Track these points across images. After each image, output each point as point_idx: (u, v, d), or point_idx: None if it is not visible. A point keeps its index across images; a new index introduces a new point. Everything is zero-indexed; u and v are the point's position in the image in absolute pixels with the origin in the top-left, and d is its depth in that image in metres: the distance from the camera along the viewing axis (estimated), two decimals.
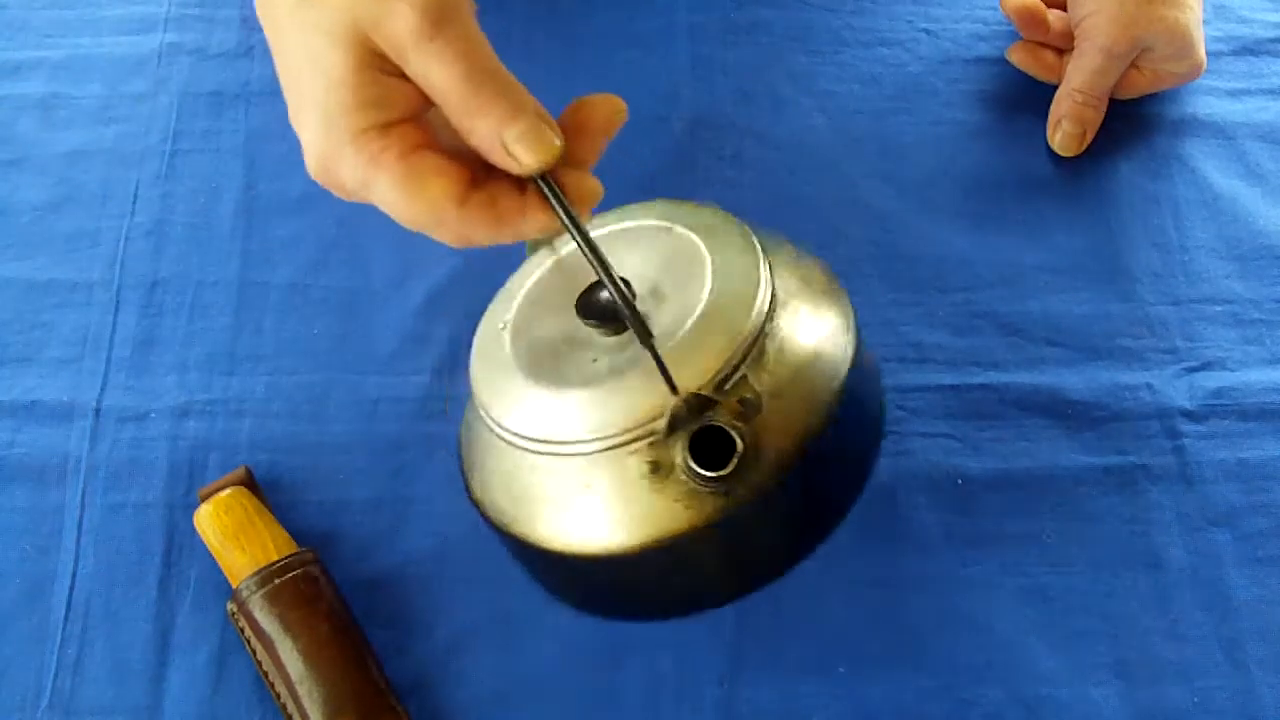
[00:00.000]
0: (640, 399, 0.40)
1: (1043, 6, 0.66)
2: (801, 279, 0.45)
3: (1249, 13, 0.70)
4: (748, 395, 0.40)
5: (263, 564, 0.50)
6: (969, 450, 0.56)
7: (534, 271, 0.48)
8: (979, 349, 0.59)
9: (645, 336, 0.39)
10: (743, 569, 0.44)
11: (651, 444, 0.40)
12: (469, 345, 0.47)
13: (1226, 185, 0.64)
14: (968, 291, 0.60)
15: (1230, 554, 0.54)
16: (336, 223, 0.61)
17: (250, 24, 0.66)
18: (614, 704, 0.51)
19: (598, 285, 0.43)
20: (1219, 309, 0.60)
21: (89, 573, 0.52)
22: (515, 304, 0.47)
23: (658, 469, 0.40)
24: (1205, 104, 0.66)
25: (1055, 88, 0.65)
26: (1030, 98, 0.65)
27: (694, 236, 0.45)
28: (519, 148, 0.37)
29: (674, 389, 0.39)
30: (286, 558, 0.50)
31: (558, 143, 0.37)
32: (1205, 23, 0.64)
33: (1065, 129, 0.63)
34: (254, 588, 0.49)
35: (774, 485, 0.40)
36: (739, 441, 0.39)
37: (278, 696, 0.49)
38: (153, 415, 0.56)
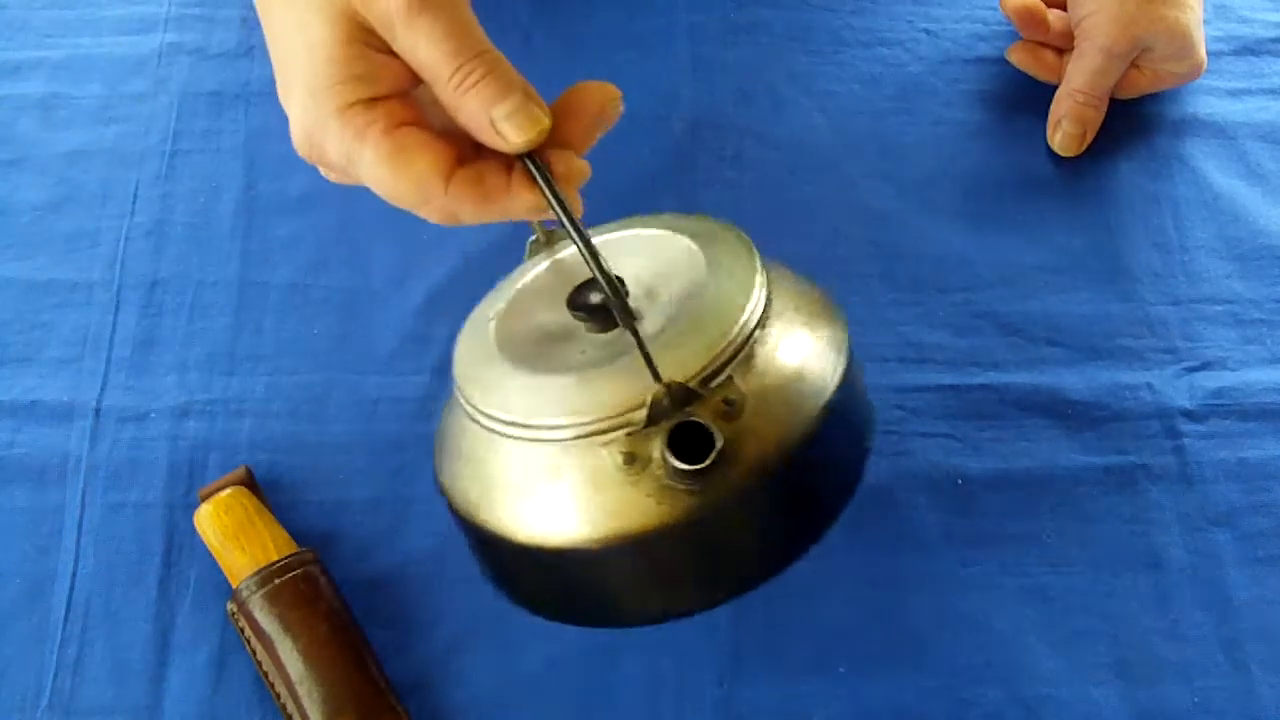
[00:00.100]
0: (621, 387, 0.39)
1: (1043, 6, 0.66)
2: (799, 294, 0.45)
3: (1249, 13, 0.70)
4: (732, 396, 0.39)
5: (263, 564, 0.50)
6: (969, 450, 0.56)
7: (530, 270, 0.48)
8: (979, 349, 0.59)
9: (628, 319, 0.39)
10: (713, 575, 0.42)
11: (629, 434, 0.39)
12: None
13: (1226, 185, 0.64)
14: (968, 291, 0.60)
15: (1230, 554, 0.54)
16: (336, 223, 0.61)
17: (250, 24, 0.66)
18: (614, 704, 0.51)
19: (590, 283, 0.43)
20: (1219, 309, 0.60)
21: (89, 573, 0.52)
22: (507, 298, 0.46)
23: (633, 460, 0.39)
24: (1205, 104, 0.66)
25: (1055, 88, 0.65)
26: (1030, 98, 0.65)
27: (693, 243, 0.45)
28: (507, 125, 0.37)
29: (657, 377, 0.38)
30: (286, 558, 0.50)
31: (546, 121, 0.37)
32: (1205, 23, 0.64)
33: (1065, 129, 0.63)
34: (254, 588, 0.49)
35: (750, 489, 0.39)
36: (718, 438, 0.38)
37: (278, 696, 0.49)
38: (153, 415, 0.56)
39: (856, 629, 0.52)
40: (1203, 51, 0.63)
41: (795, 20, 0.68)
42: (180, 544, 0.53)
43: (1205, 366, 0.59)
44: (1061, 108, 0.63)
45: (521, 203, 0.38)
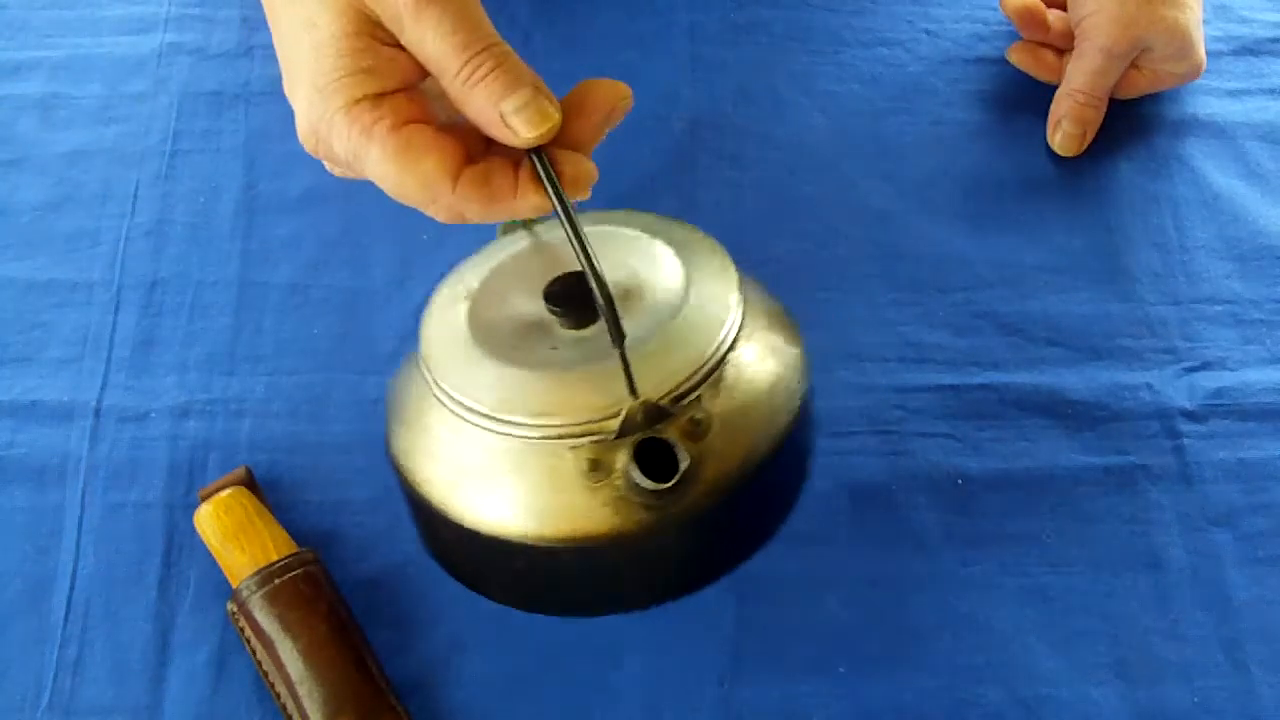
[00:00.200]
0: (595, 395, 0.39)
1: (1043, 6, 0.66)
2: (768, 314, 0.46)
3: (1249, 13, 0.70)
4: (699, 416, 0.40)
5: (263, 564, 0.50)
6: (969, 450, 0.56)
7: (508, 247, 0.47)
8: (979, 349, 0.59)
9: (617, 336, 0.39)
10: (652, 581, 0.44)
11: (596, 442, 0.39)
12: None
13: (1226, 185, 0.64)
14: (968, 291, 0.60)
15: (1230, 554, 0.54)
16: (337, 223, 0.61)
17: (251, 24, 0.66)
18: (614, 704, 0.51)
19: (570, 276, 0.43)
20: (1219, 309, 0.60)
21: (89, 573, 0.52)
22: (481, 276, 0.46)
23: (597, 468, 0.39)
24: (1205, 104, 0.66)
25: (1055, 88, 0.65)
26: (1030, 98, 0.65)
27: (673, 252, 0.45)
28: (517, 120, 0.36)
29: (634, 393, 0.39)
30: (286, 558, 0.50)
31: (556, 116, 0.37)
32: (1205, 23, 0.64)
33: (1065, 129, 0.63)
34: (254, 588, 0.49)
35: (704, 509, 0.40)
36: (684, 460, 0.38)
37: (278, 696, 0.49)
38: (153, 415, 0.56)
39: (856, 629, 0.52)
40: (1202, 51, 0.63)
41: (795, 20, 0.68)
42: (180, 544, 0.53)
43: (1205, 366, 0.59)
44: (1061, 108, 0.63)
45: (528, 204, 0.38)
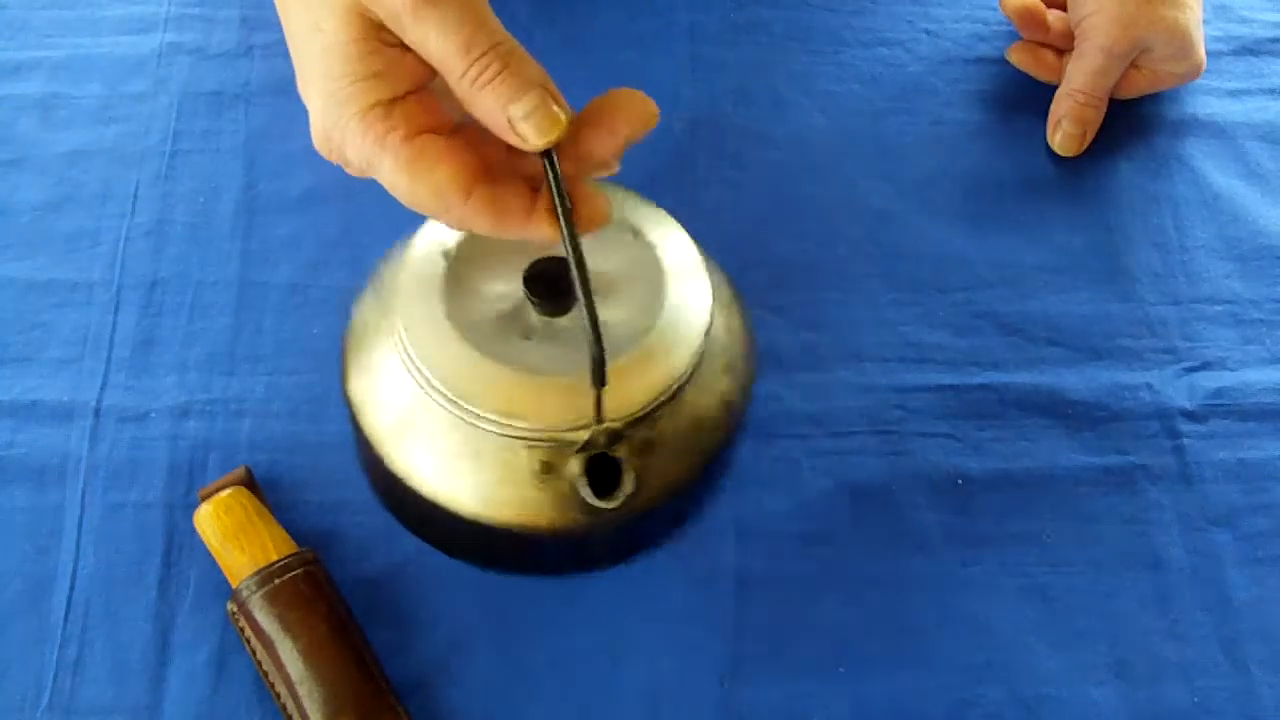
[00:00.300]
0: (560, 407, 0.41)
1: (1043, 6, 0.66)
2: (728, 329, 0.46)
3: (1249, 13, 0.70)
4: (650, 435, 0.42)
5: (263, 564, 0.50)
6: (969, 450, 0.56)
7: None
8: (979, 349, 0.59)
9: (599, 381, 0.39)
10: (575, 561, 0.49)
11: (551, 448, 0.41)
12: None
13: (1226, 185, 0.64)
14: (968, 291, 0.60)
15: (1230, 554, 0.54)
16: (337, 223, 0.61)
17: (250, 24, 0.66)
18: (614, 704, 0.51)
19: (551, 261, 0.42)
20: (1219, 309, 0.60)
21: (89, 573, 0.52)
22: (460, 236, 0.45)
23: (548, 470, 0.41)
24: (1205, 104, 0.66)
25: (1055, 88, 0.65)
26: (1030, 98, 0.65)
27: (658, 253, 0.45)
28: (525, 126, 0.36)
29: (600, 420, 0.40)
30: (286, 558, 0.50)
31: (564, 119, 0.36)
32: (1205, 23, 0.64)
33: (1065, 129, 0.63)
34: (254, 588, 0.49)
35: (637, 516, 0.42)
36: (629, 483, 0.40)
37: (278, 696, 0.49)
38: (153, 415, 0.56)
39: (856, 629, 0.52)
40: (1202, 52, 0.63)
41: (795, 20, 0.68)
42: (180, 544, 0.53)
43: (1205, 366, 0.59)
44: (1061, 108, 0.64)
45: (539, 233, 0.37)
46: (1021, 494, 0.55)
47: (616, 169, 0.39)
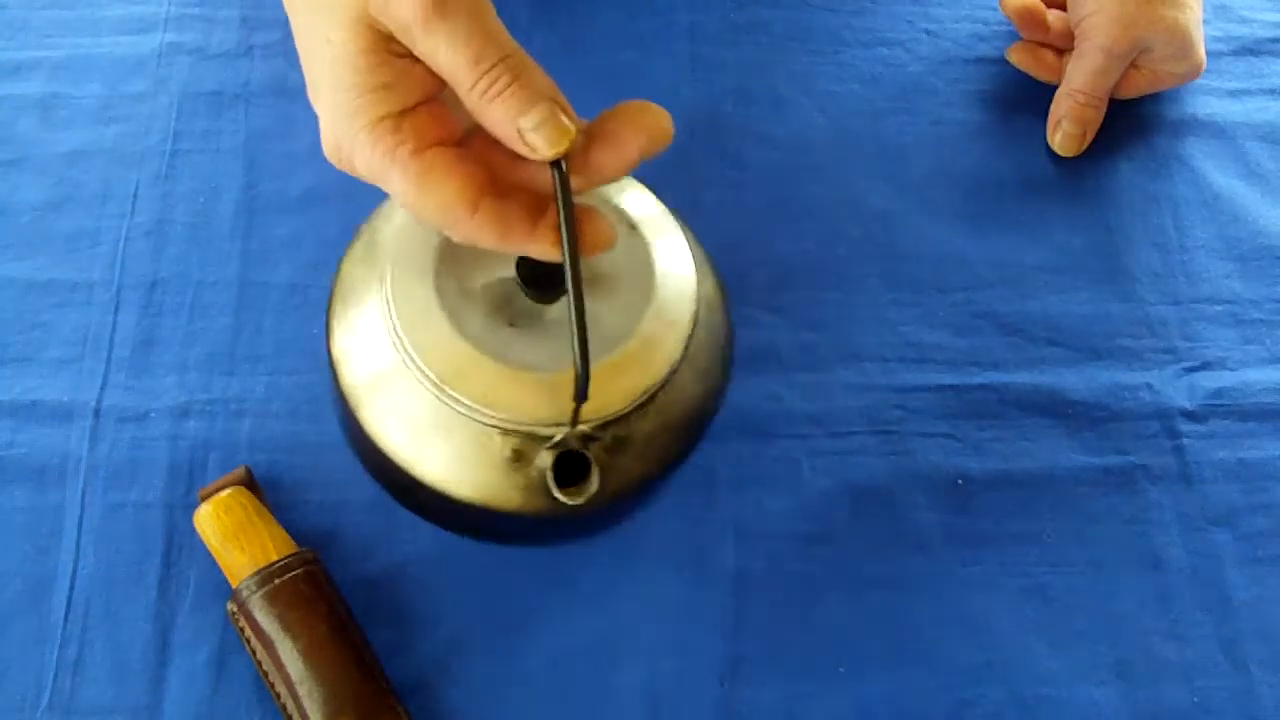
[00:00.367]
0: (538, 403, 0.41)
1: (1043, 6, 0.66)
2: (710, 334, 0.46)
3: (1249, 13, 0.70)
4: (622, 435, 0.43)
5: (263, 564, 0.50)
6: (969, 450, 0.56)
7: None
8: (979, 349, 0.59)
9: (581, 397, 0.39)
10: (527, 536, 0.50)
11: (523, 439, 0.42)
12: None
13: (1226, 185, 0.64)
14: (968, 291, 0.60)
15: (1230, 554, 0.54)
16: (337, 223, 0.61)
17: (250, 24, 0.66)
18: (614, 704, 0.51)
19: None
20: (1219, 309, 0.60)
21: (89, 573, 0.52)
22: None
23: (519, 459, 0.42)
24: (1205, 104, 0.66)
25: (1055, 88, 0.65)
26: (1030, 98, 0.65)
27: (651, 252, 0.45)
28: (535, 137, 0.36)
29: (575, 424, 0.41)
30: (286, 558, 0.50)
31: (574, 130, 0.36)
32: (1205, 23, 0.64)
33: (1065, 129, 0.63)
34: (254, 588, 0.49)
35: (598, 508, 0.43)
36: (595, 481, 0.41)
37: (278, 696, 0.49)
38: (153, 415, 0.56)
39: (856, 629, 0.52)
40: (1202, 52, 0.63)
41: (795, 20, 0.68)
42: (180, 544, 0.53)
43: (1205, 366, 0.59)
44: (1061, 108, 0.63)
45: (539, 251, 0.38)
46: (1021, 494, 0.55)
47: (617, 177, 0.39)
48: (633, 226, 0.45)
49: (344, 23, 0.36)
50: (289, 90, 0.64)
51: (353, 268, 0.47)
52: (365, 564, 0.53)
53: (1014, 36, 0.67)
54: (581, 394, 0.39)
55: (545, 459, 0.42)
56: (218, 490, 0.52)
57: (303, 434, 0.56)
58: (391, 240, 0.45)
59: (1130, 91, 0.64)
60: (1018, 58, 0.66)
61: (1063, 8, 0.66)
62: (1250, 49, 0.69)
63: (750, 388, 0.56)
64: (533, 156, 0.36)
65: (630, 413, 0.43)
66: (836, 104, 0.66)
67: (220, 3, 0.67)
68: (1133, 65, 0.63)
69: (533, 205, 0.38)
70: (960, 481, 0.55)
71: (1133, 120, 0.65)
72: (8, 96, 0.64)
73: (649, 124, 0.38)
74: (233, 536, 0.51)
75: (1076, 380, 0.58)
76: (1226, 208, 0.63)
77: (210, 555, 0.52)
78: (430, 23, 0.35)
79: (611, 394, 0.42)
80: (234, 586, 0.50)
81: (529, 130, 0.36)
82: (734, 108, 0.65)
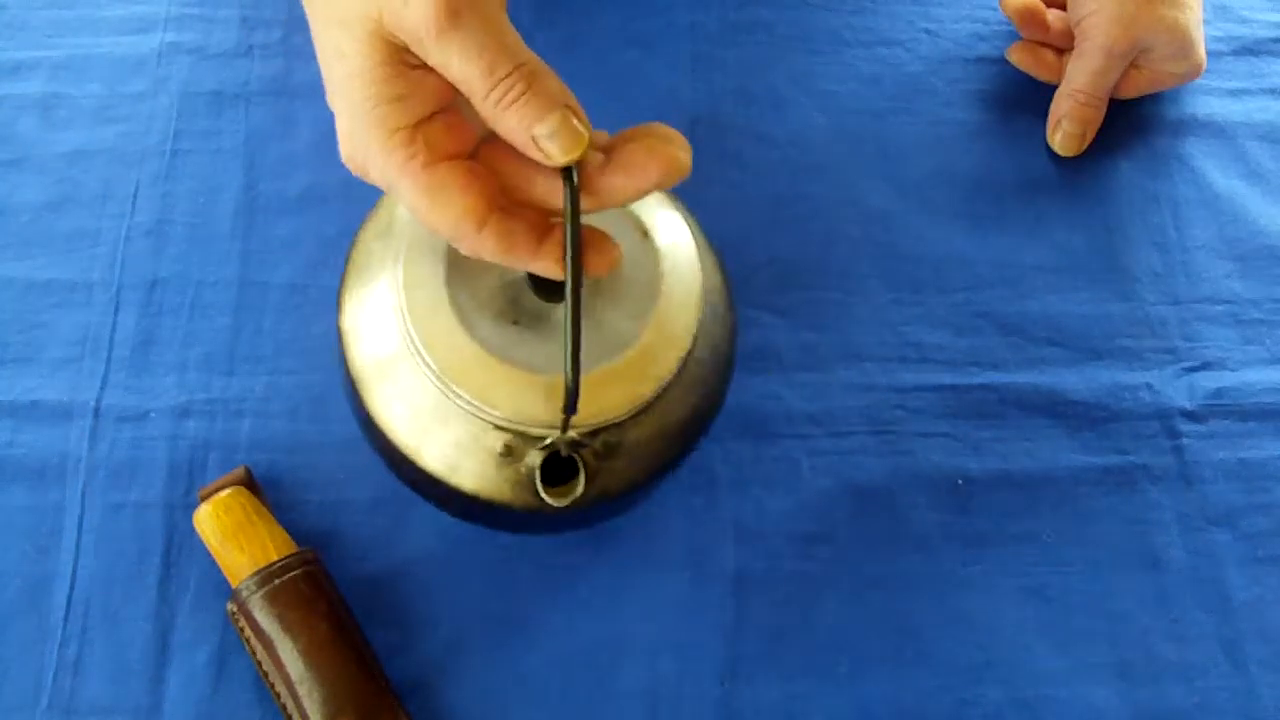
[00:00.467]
0: (533, 403, 0.42)
1: (1043, 6, 0.66)
2: (712, 345, 0.47)
3: (1249, 13, 0.70)
4: (614, 441, 0.43)
5: (263, 564, 0.50)
6: (969, 450, 0.56)
7: None
8: (979, 349, 0.59)
9: (570, 409, 0.40)
10: (532, 528, 0.50)
11: (515, 435, 0.42)
12: None
13: (1226, 185, 0.64)
14: (968, 291, 0.60)
15: (1230, 554, 0.54)
16: (337, 223, 0.61)
17: (250, 23, 0.66)
18: (614, 704, 0.51)
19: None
20: (1219, 309, 0.60)
21: (89, 573, 0.52)
22: None
23: (509, 453, 0.43)
24: (1205, 104, 0.66)
25: (1055, 88, 0.65)
26: (1030, 98, 0.65)
27: (660, 260, 0.45)
28: (549, 145, 0.36)
29: (566, 430, 0.42)
30: (286, 558, 0.50)
31: (587, 136, 0.37)
32: (1205, 23, 0.64)
33: (1065, 129, 0.63)
34: (254, 588, 0.49)
35: (582, 508, 0.44)
36: (581, 485, 0.42)
37: (278, 696, 0.49)
38: (152, 415, 0.56)
39: (856, 629, 0.52)
40: (1202, 51, 0.63)
41: (795, 20, 0.68)
42: (180, 544, 0.53)
43: (1205, 366, 0.59)
44: (1061, 108, 0.63)
45: (542, 268, 0.38)
46: (1021, 494, 0.55)
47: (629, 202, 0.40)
48: (645, 233, 0.45)
49: (358, 36, 0.37)
50: (289, 90, 0.64)
51: (368, 243, 0.48)
52: (365, 564, 0.53)
53: (1014, 36, 0.67)
54: (570, 407, 0.40)
55: (535, 458, 0.43)
56: (217, 490, 0.52)
57: (303, 434, 0.56)
58: (410, 218, 0.45)
59: (1130, 91, 0.64)
60: (1018, 58, 0.66)
61: (1063, 8, 0.66)
62: (1250, 49, 0.68)
63: (750, 388, 0.56)
64: (547, 163, 0.37)
65: (624, 421, 0.43)
66: (836, 104, 0.66)
67: (220, 3, 0.67)
68: (1133, 65, 0.63)
69: (539, 223, 0.38)
70: (960, 481, 0.55)
71: (1133, 120, 0.65)
72: (8, 96, 0.64)
73: (668, 155, 0.38)
74: (233, 536, 0.51)
75: (1076, 380, 0.58)
76: (1226, 208, 0.63)
77: (210, 555, 0.52)
78: (443, 34, 0.35)
79: (605, 402, 0.42)
80: (234, 586, 0.50)
81: (543, 138, 0.36)
82: (734, 108, 0.65)
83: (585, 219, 0.38)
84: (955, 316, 0.60)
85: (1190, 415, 0.57)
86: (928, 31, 0.68)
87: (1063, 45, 0.65)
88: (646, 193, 0.38)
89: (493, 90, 0.36)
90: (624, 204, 0.39)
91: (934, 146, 0.64)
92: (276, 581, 0.49)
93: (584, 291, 0.43)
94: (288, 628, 0.49)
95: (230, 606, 0.50)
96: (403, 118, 0.37)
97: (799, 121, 0.65)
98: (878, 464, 0.56)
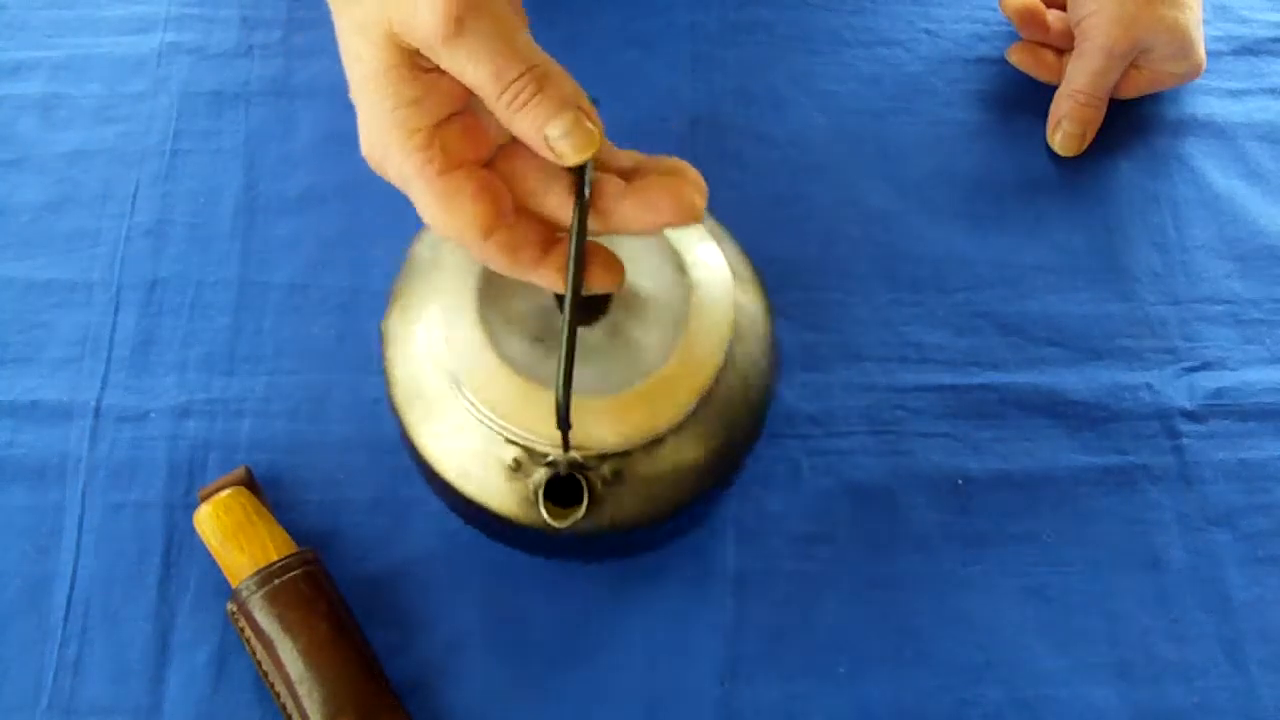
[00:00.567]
0: (538, 417, 0.42)
1: (1042, 6, 0.66)
2: (746, 381, 0.46)
3: (1249, 13, 0.70)
4: (620, 469, 0.43)
5: (263, 564, 0.50)
6: (969, 450, 0.56)
7: None
8: (979, 349, 0.59)
9: (563, 425, 0.40)
10: (536, 548, 0.50)
11: (524, 450, 0.43)
12: None
13: (1226, 185, 0.64)
14: (968, 291, 0.60)
15: (1230, 554, 0.54)
16: (336, 223, 0.61)
17: (250, 23, 0.66)
18: (614, 704, 0.51)
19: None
20: (1219, 309, 0.60)
21: (89, 573, 0.52)
22: None
23: (518, 468, 0.44)
24: (1205, 104, 0.66)
25: (1055, 88, 0.65)
26: (1030, 98, 0.65)
27: (694, 289, 0.45)
28: (562, 145, 0.37)
29: (566, 448, 0.42)
30: (286, 558, 0.50)
31: (598, 136, 0.38)
32: (1205, 23, 0.64)
33: (1065, 129, 0.63)
34: (254, 588, 0.49)
35: (594, 537, 0.45)
36: (583, 511, 0.42)
37: (278, 696, 0.49)
38: (153, 415, 0.56)
39: (856, 629, 0.52)
40: (1202, 51, 0.63)
41: (795, 20, 0.68)
42: (180, 544, 0.53)
43: (1205, 366, 0.59)
44: (1061, 108, 0.63)
45: (545, 281, 0.39)
46: (1021, 494, 0.55)
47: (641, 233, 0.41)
48: (682, 269, 0.45)
49: (373, 40, 0.37)
50: (289, 90, 0.64)
51: (422, 251, 0.48)
52: (365, 564, 0.53)
53: (1014, 36, 0.67)
54: (562, 421, 0.40)
55: (540, 475, 0.43)
56: (218, 490, 0.52)
57: (303, 434, 0.56)
58: (450, 263, 0.46)
59: (1130, 91, 0.64)
60: (1018, 58, 0.66)
61: (1063, 8, 0.66)
62: (1250, 49, 0.68)
63: None
64: (561, 163, 0.38)
65: (632, 451, 0.43)
66: (836, 104, 0.66)
67: (220, 3, 0.67)
68: (1133, 65, 0.63)
69: (546, 237, 0.39)
70: (960, 481, 0.55)
71: (1133, 120, 0.65)
72: (8, 96, 0.64)
73: (685, 197, 0.39)
74: (233, 536, 0.51)
75: (1076, 380, 0.58)
76: (1226, 208, 0.63)
77: (210, 555, 0.52)
78: (450, 41, 0.36)
79: (611, 429, 0.43)
80: (234, 586, 0.50)
81: (556, 139, 0.37)
82: (734, 108, 0.65)
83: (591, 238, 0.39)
84: (955, 316, 0.60)
85: (1190, 415, 0.57)
86: (928, 31, 0.68)
87: (1063, 45, 0.65)
88: (656, 229, 0.39)
89: (504, 93, 0.37)
90: (631, 234, 0.40)
91: (934, 146, 0.64)
92: (276, 581, 0.49)
93: (615, 314, 0.44)
94: (288, 628, 0.49)
95: (230, 606, 0.50)
96: (420, 120, 0.38)
97: (799, 121, 0.65)
98: (878, 464, 0.56)
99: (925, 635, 0.52)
